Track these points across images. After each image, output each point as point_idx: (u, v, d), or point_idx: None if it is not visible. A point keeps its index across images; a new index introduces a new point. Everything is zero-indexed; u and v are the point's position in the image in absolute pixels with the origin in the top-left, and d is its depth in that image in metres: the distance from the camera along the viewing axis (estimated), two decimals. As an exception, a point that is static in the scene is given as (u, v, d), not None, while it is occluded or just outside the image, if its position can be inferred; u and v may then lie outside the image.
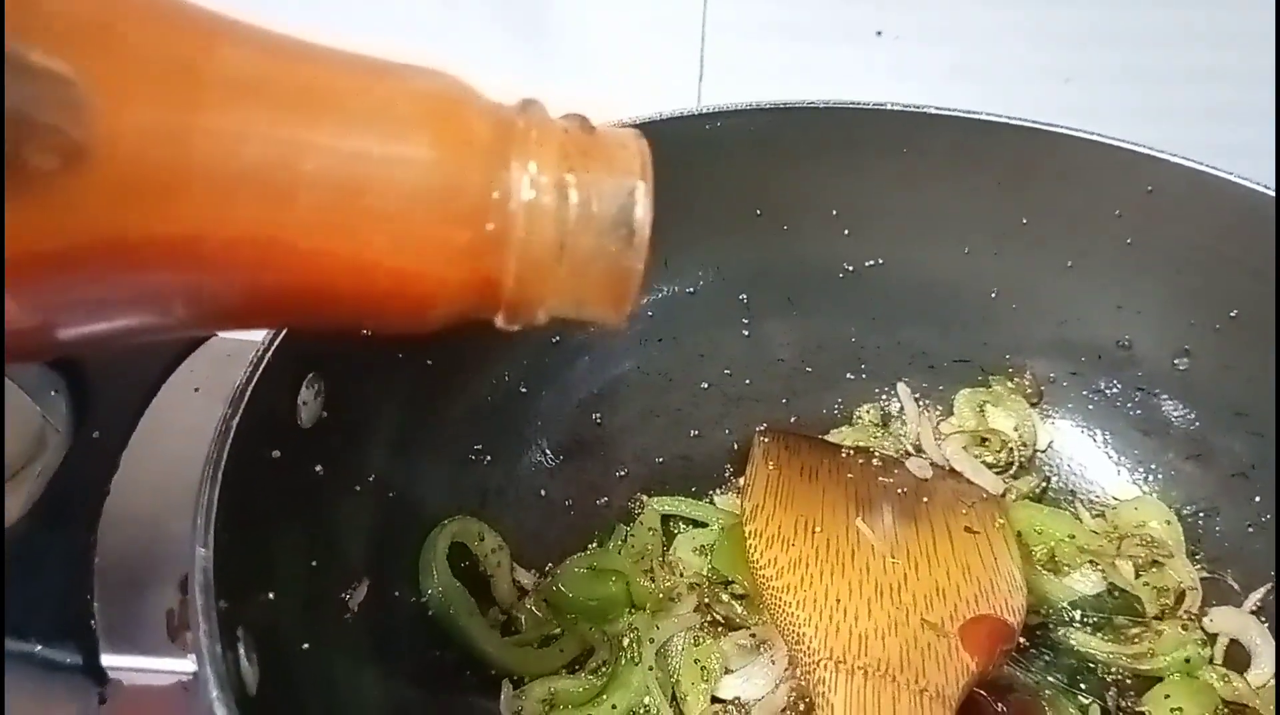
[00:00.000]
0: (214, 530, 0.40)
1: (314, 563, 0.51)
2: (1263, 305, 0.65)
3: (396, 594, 0.58)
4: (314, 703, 0.48)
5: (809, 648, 0.50)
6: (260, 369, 0.46)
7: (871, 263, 0.74)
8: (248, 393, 0.45)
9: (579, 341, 0.70)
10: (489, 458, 0.65)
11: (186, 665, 0.36)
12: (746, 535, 0.58)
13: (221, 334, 0.52)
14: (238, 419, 0.44)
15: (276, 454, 0.48)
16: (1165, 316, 0.69)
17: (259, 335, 0.48)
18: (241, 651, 0.39)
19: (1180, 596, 0.64)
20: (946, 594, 0.54)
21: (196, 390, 0.46)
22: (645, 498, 0.70)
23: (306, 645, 0.49)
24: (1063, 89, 0.86)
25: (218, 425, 0.43)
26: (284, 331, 0.48)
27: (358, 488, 0.56)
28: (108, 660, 0.38)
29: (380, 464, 0.57)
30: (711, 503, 0.71)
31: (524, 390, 0.68)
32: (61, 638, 0.37)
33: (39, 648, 0.37)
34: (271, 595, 0.46)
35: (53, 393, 0.44)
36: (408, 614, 0.58)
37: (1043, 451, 0.73)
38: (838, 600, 0.53)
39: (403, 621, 0.58)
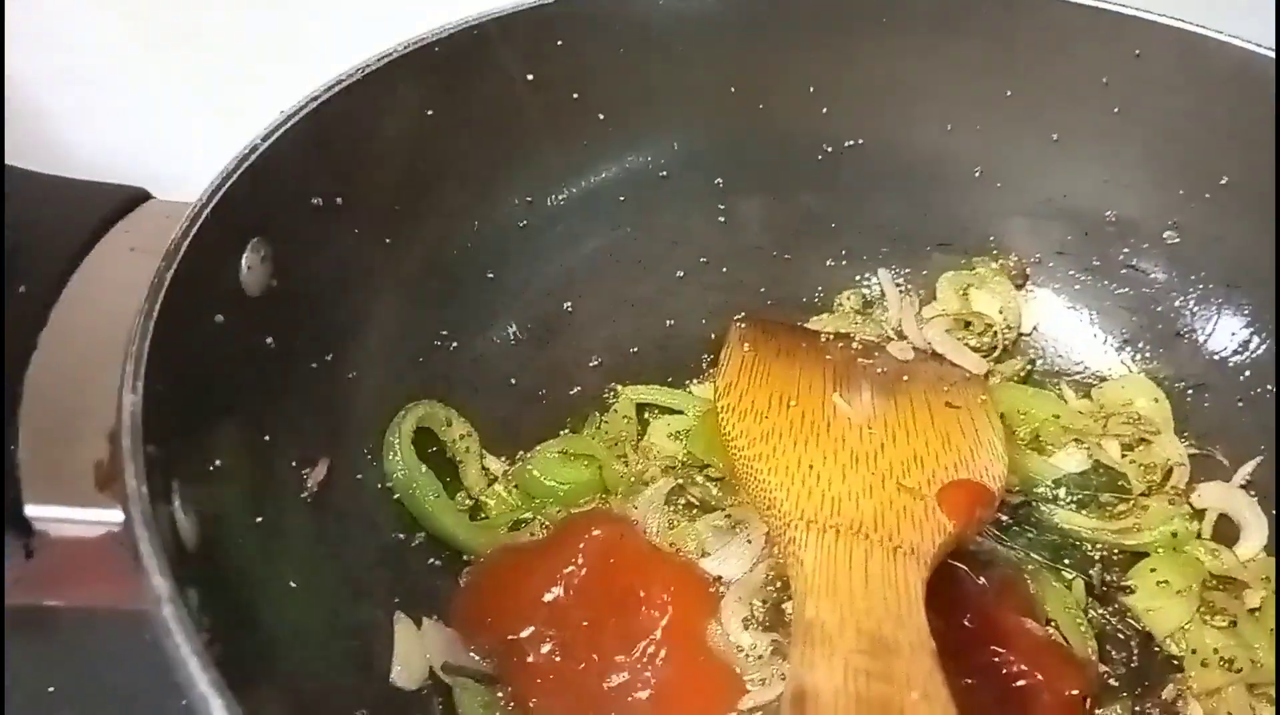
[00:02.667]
0: (145, 381, 0.38)
1: (266, 437, 0.49)
2: (1256, 170, 0.62)
3: (359, 476, 0.56)
4: (267, 574, 0.46)
5: (781, 511, 0.48)
6: (198, 225, 0.44)
7: (851, 143, 0.71)
8: (183, 247, 0.42)
9: (548, 226, 0.67)
10: (455, 343, 0.63)
11: (115, 515, 0.34)
12: (719, 410, 0.57)
13: (159, 195, 0.50)
14: (172, 272, 0.41)
15: (220, 318, 0.46)
16: (1153, 188, 0.66)
17: (197, 194, 0.45)
18: (177, 505, 0.38)
19: (1168, 473, 0.63)
20: (924, 461, 0.53)
21: (132, 249, 0.44)
22: (619, 387, 0.68)
23: (260, 518, 0.47)
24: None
25: (152, 278, 0.40)
26: (223, 189, 0.46)
27: (314, 365, 0.54)
28: (32, 511, 0.36)
29: (338, 343, 0.55)
30: (688, 392, 0.68)
31: (490, 275, 0.65)
32: (-19, 486, 0.35)
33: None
34: (218, 462, 0.44)
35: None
36: (370, 496, 0.56)
37: (1028, 334, 0.72)
38: (810, 467, 0.51)
39: (365, 504, 0.56)
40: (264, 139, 0.49)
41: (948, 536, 0.48)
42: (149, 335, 0.39)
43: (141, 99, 0.86)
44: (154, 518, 0.34)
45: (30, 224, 0.42)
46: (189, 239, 0.43)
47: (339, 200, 0.54)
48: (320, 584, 0.51)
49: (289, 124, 0.51)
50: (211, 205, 0.45)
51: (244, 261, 0.47)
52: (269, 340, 0.50)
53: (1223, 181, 0.64)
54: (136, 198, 0.46)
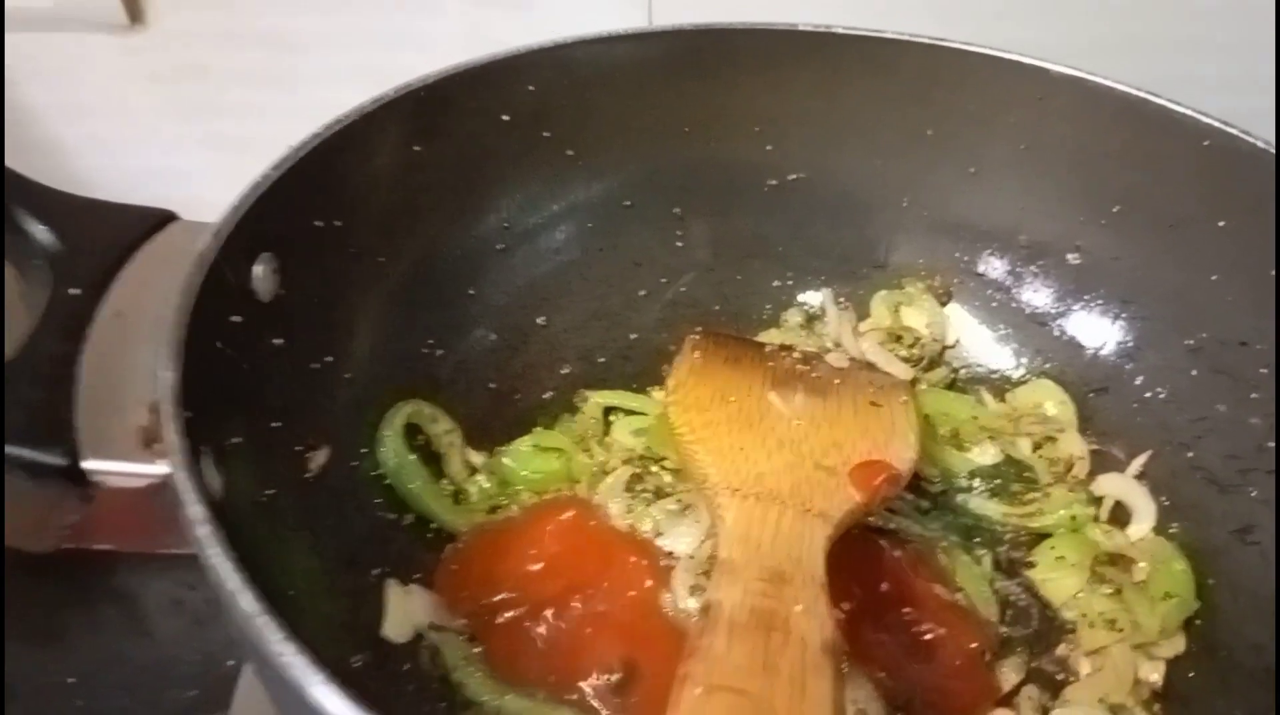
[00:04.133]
0: (180, 364, 0.46)
1: (276, 424, 0.57)
2: (1144, 198, 0.71)
3: (354, 463, 0.64)
4: (274, 541, 0.54)
5: (711, 483, 0.56)
6: (222, 240, 0.52)
7: (794, 176, 0.80)
8: (209, 257, 0.51)
9: (522, 248, 0.76)
10: (440, 351, 0.72)
11: (158, 469, 0.42)
12: (667, 405, 0.65)
13: (184, 216, 0.58)
14: (202, 277, 0.50)
15: (237, 319, 0.54)
16: (1059, 215, 0.75)
17: (209, 216, 0.54)
18: (207, 464, 0.46)
19: (1070, 465, 0.71)
20: (842, 446, 0.61)
21: (163, 260, 0.52)
22: (588, 392, 0.76)
23: (270, 491, 0.55)
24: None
25: (183, 283, 0.49)
26: (242, 211, 0.54)
27: (316, 365, 0.62)
28: (88, 465, 0.44)
29: (336, 346, 0.64)
30: (650, 397, 0.77)
31: (471, 292, 0.74)
32: (48, 445, 0.43)
33: (28, 452, 0.43)
34: (236, 440, 0.52)
35: (35, 263, 0.50)
36: (365, 480, 0.64)
37: (952, 346, 0.80)
38: (741, 449, 0.59)
39: (360, 486, 0.64)
40: (274, 169, 0.58)
41: (855, 505, 0.56)
42: (184, 326, 0.47)
43: (148, 130, 0.95)
44: (192, 474, 0.42)
45: (76, 237, 0.51)
46: (214, 251, 0.52)
47: (337, 223, 0.62)
48: (320, 553, 0.58)
49: (296, 158, 0.59)
50: (233, 224, 0.54)
51: (257, 272, 0.56)
52: (277, 341, 0.58)
53: (1115, 209, 0.73)
54: (165, 218, 0.55)
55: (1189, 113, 0.67)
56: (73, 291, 0.48)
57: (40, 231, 0.51)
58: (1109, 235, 0.73)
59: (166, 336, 0.46)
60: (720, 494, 0.55)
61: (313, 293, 0.61)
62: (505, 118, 0.71)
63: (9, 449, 0.43)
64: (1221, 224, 0.67)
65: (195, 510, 0.39)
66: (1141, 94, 0.69)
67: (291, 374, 0.59)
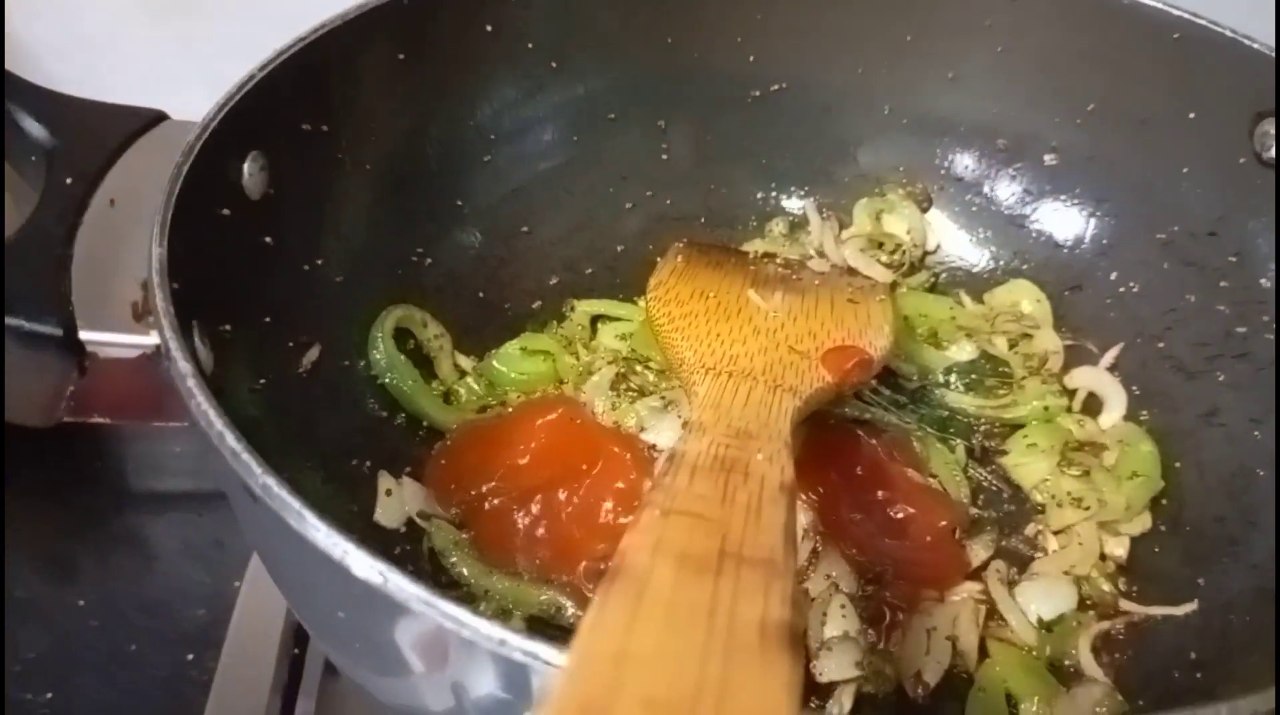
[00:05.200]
0: (169, 242, 0.48)
1: (267, 318, 0.59)
2: (1117, 96, 0.72)
3: (346, 362, 0.66)
4: (267, 423, 0.56)
5: (687, 365, 0.58)
6: (208, 133, 0.54)
7: (776, 87, 0.81)
8: (195, 149, 0.53)
9: (508, 161, 0.77)
10: (429, 259, 0.73)
11: (150, 339, 0.44)
12: (648, 301, 0.66)
13: (175, 115, 0.60)
14: (187, 166, 0.52)
15: (227, 212, 0.56)
16: (1034, 116, 0.76)
17: (207, 111, 0.56)
18: (196, 338, 0.48)
19: (1045, 360, 0.73)
20: (817, 334, 0.63)
21: (154, 154, 0.54)
22: (575, 301, 0.77)
23: (263, 381, 0.58)
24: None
25: (172, 170, 0.51)
26: (227, 107, 0.56)
27: (306, 267, 0.64)
28: (85, 335, 0.46)
29: (327, 250, 0.66)
30: (636, 305, 0.78)
31: (459, 203, 0.75)
32: (47, 315, 0.46)
33: (28, 323, 0.45)
34: (227, 327, 0.54)
35: (31, 158, 0.52)
36: (358, 379, 0.67)
37: (933, 251, 0.81)
38: (718, 336, 0.61)
39: (353, 384, 0.66)
40: (260, 69, 0.59)
41: (825, 384, 0.58)
42: (171, 207, 0.49)
43: (144, 66, 0.96)
44: (180, 338, 0.45)
45: (70, 134, 0.52)
46: (200, 143, 0.53)
47: (324, 127, 0.64)
48: (313, 442, 0.60)
49: (281, 59, 0.61)
50: (218, 119, 0.55)
51: (245, 168, 0.58)
52: (268, 239, 0.60)
53: (1090, 108, 0.74)
54: (157, 117, 0.57)
55: (1159, 6, 0.68)
56: (68, 180, 0.50)
57: (35, 129, 0.53)
58: (1083, 134, 0.75)
59: (156, 217, 0.48)
60: (695, 372, 0.57)
61: (301, 195, 0.63)
62: (489, 28, 0.72)
63: (9, 320, 0.45)
64: (1192, 116, 0.69)
65: (183, 366, 0.41)
66: (1114, -12, 0.70)
67: (282, 273, 0.62)
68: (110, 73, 0.93)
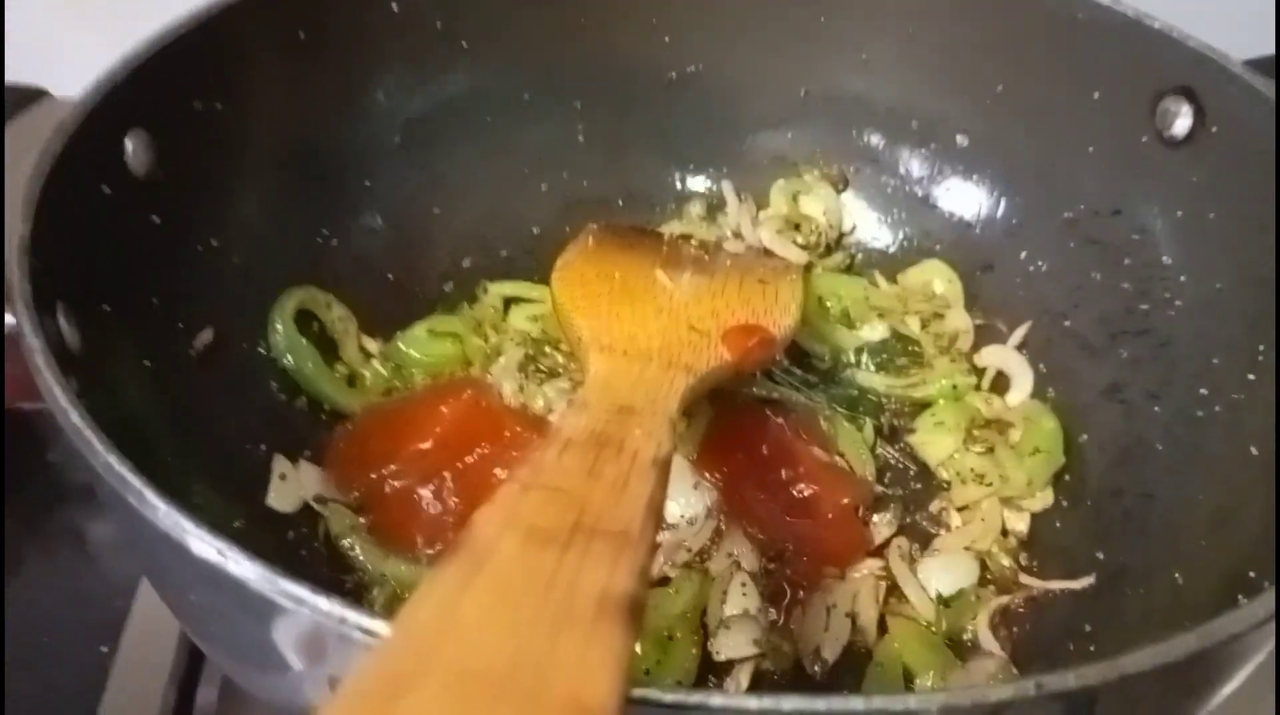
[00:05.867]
0: (35, 219, 0.46)
1: (154, 300, 0.58)
2: (1023, 76, 0.73)
3: (244, 345, 0.65)
4: (153, 403, 0.55)
5: (583, 343, 0.58)
6: (87, 109, 0.52)
7: (691, 68, 0.81)
8: (71, 126, 0.51)
9: (418, 143, 0.76)
10: (335, 241, 0.72)
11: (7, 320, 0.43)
12: (553, 281, 0.66)
13: (56, 92, 0.58)
14: (63, 142, 0.50)
15: (108, 190, 0.54)
16: (946, 98, 0.76)
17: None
18: (61, 317, 0.46)
19: (955, 338, 0.73)
20: (720, 314, 0.62)
21: (32, 133, 0.52)
22: (489, 284, 0.77)
23: (148, 363, 0.56)
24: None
25: (43, 145, 0.49)
26: (112, 82, 0.54)
27: (199, 248, 0.63)
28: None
29: (223, 231, 0.64)
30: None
31: (367, 183, 0.74)
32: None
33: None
34: (106, 307, 0.53)
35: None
36: (257, 362, 0.65)
37: (848, 233, 0.81)
38: (618, 316, 0.61)
39: (252, 368, 0.65)
40: (148, 45, 0.58)
41: (723, 362, 0.58)
42: (42, 181, 0.47)
43: (29, 40, 0.91)
44: (35, 315, 0.43)
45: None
46: (78, 121, 0.52)
47: (218, 106, 0.63)
48: (207, 426, 0.59)
49: (173, 35, 0.59)
50: (99, 96, 0.54)
51: (128, 146, 0.56)
52: (155, 218, 0.58)
53: (999, 89, 0.74)
54: (36, 94, 0.55)
55: (1063, -14, 0.68)
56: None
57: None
58: (993, 115, 0.75)
59: (20, 193, 0.46)
60: (591, 350, 0.56)
61: (194, 174, 0.62)
62: (394, 7, 0.71)
63: None
64: (1095, 96, 0.69)
65: (31, 341, 0.39)
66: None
67: (173, 253, 0.60)
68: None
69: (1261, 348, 0.58)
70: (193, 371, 0.60)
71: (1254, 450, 0.55)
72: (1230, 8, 0.81)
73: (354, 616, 0.31)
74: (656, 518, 0.37)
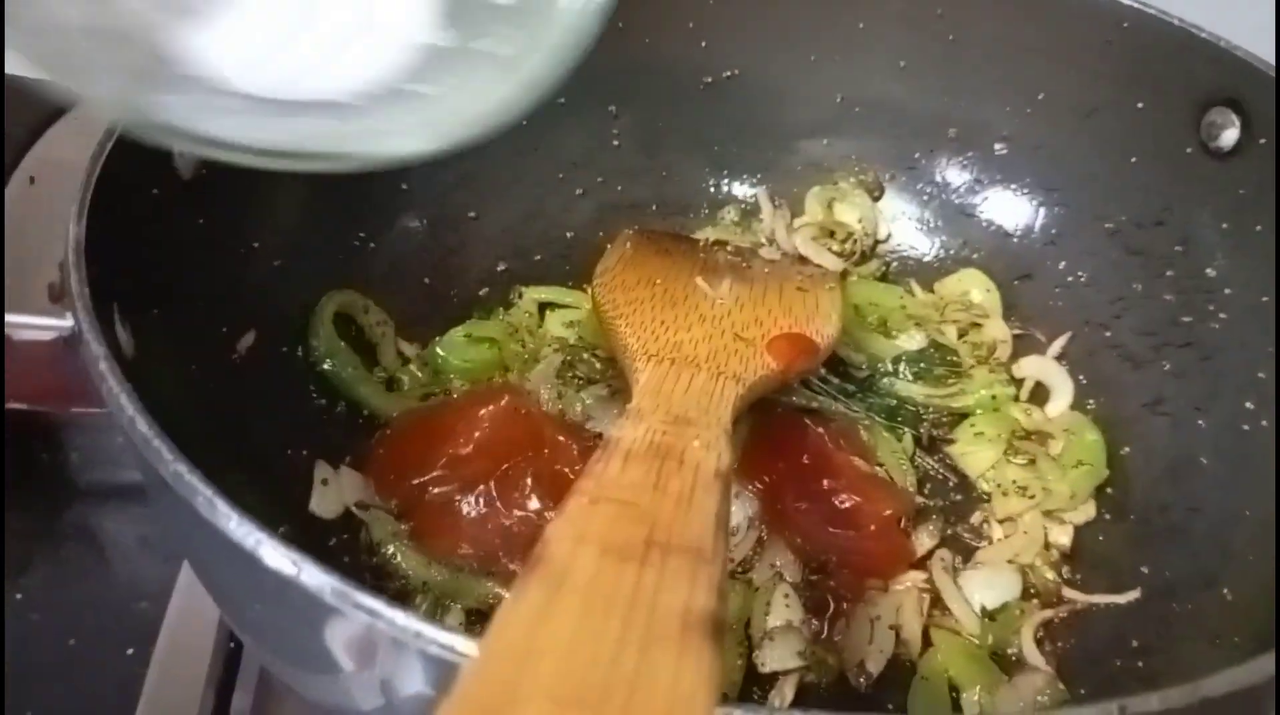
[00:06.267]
0: (89, 221, 0.46)
1: (199, 303, 0.58)
2: (1065, 85, 0.72)
3: (284, 349, 0.65)
4: (197, 411, 0.55)
5: (630, 352, 0.57)
6: (134, 111, 0.52)
7: (728, 74, 0.80)
8: (119, 127, 0.51)
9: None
10: (372, 244, 0.72)
11: (64, 322, 0.42)
12: (594, 288, 0.65)
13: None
14: (111, 144, 0.50)
15: (156, 192, 0.54)
16: (985, 106, 0.76)
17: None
18: (116, 320, 0.46)
19: (993, 349, 0.73)
20: (764, 322, 0.62)
21: (78, 134, 0.52)
22: (524, 288, 0.76)
23: (194, 367, 0.56)
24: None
25: (94, 148, 0.49)
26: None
27: (242, 250, 0.62)
28: None
29: (264, 234, 0.64)
30: (586, 293, 0.77)
31: (404, 186, 0.74)
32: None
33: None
34: (155, 312, 0.53)
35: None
36: (297, 366, 0.65)
37: (884, 240, 0.81)
38: (662, 323, 0.60)
39: (292, 372, 0.65)
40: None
41: (770, 371, 0.57)
42: (92, 187, 0.47)
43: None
44: (95, 321, 0.43)
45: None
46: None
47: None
48: (249, 430, 0.59)
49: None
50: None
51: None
52: (200, 221, 0.58)
53: (1040, 97, 0.74)
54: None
55: (1108, -5, 0.68)
56: (-17, 160, 0.48)
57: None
58: (1033, 123, 0.74)
59: (76, 196, 0.46)
60: (638, 359, 0.56)
61: (234, 178, 0.61)
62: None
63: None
64: (1140, 106, 0.69)
65: (95, 348, 0.39)
66: (1066, -20, 0.70)
67: (215, 255, 0.60)
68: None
69: (1311, 362, 0.58)
70: (235, 376, 0.60)
71: (1304, 466, 0.55)
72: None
73: (432, 632, 0.31)
74: (725, 534, 0.36)
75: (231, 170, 0.60)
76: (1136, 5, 0.67)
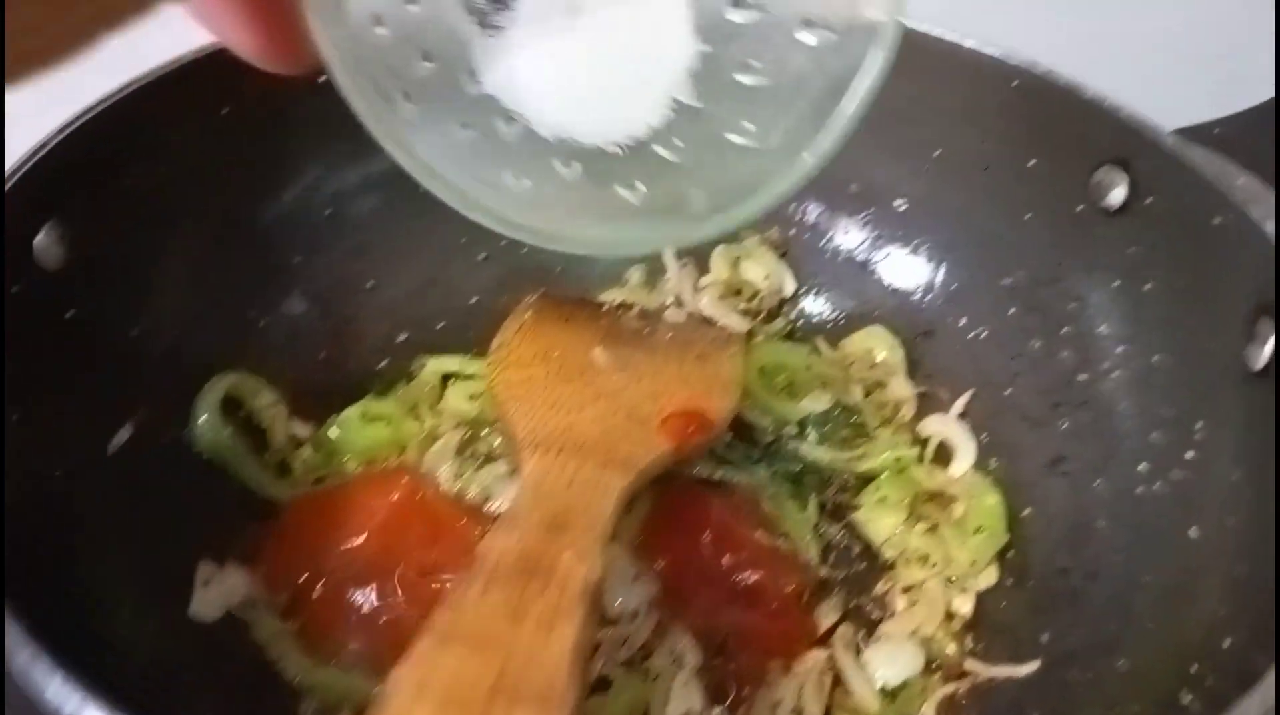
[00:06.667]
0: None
1: (67, 399, 0.55)
2: (960, 143, 0.73)
3: (166, 439, 0.62)
4: (62, 518, 0.52)
5: (519, 440, 0.56)
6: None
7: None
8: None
9: (349, 215, 0.74)
10: (265, 322, 0.70)
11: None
12: (488, 366, 0.64)
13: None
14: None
15: (15, 289, 0.52)
16: (885, 163, 0.76)
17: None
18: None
19: (897, 407, 0.72)
20: (659, 397, 0.61)
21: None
22: (426, 358, 0.75)
23: (59, 472, 0.54)
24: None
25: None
26: (16, 176, 0.52)
27: (117, 339, 0.60)
28: None
29: (144, 318, 0.62)
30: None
31: (297, 260, 0.72)
32: None
33: None
34: (15, 416, 0.50)
35: None
36: (179, 457, 0.63)
37: (789, 298, 0.81)
38: (554, 404, 0.59)
39: (174, 463, 0.62)
40: (59, 132, 0.56)
41: (662, 453, 0.56)
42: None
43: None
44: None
45: None
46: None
47: (136, 187, 0.60)
48: (126, 530, 0.57)
49: (85, 118, 0.57)
50: (7, 188, 0.51)
51: (39, 240, 0.54)
52: (70, 313, 0.56)
53: (936, 154, 0.74)
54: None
55: (997, 55, 0.68)
56: None
57: None
58: (931, 181, 0.75)
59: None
60: (524, 449, 0.54)
61: (110, 263, 0.60)
62: (322, 78, 0.69)
63: None
64: (1032, 164, 0.69)
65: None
66: (952, 39, 0.70)
67: (88, 347, 0.58)
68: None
69: (1199, 425, 0.58)
70: (109, 474, 0.57)
71: (1194, 533, 0.55)
72: (1164, 77, 0.82)
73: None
74: (584, 662, 0.35)
75: (104, 256, 0.59)
76: (1025, 65, 0.68)
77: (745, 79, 0.46)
